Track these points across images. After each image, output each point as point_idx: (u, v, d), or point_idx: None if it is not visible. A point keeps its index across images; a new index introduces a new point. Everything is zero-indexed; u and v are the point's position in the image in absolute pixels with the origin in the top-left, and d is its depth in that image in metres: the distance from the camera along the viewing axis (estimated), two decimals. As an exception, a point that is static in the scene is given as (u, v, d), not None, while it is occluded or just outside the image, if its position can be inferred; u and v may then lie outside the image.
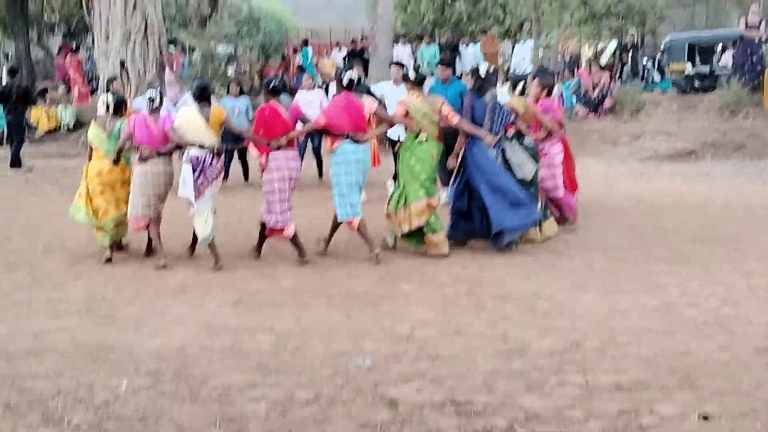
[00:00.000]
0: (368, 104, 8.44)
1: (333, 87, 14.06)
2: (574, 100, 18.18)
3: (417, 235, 8.65)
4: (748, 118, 16.99)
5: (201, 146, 8.04)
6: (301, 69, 23.67)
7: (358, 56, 22.46)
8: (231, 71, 22.59)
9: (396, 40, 21.97)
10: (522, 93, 9.29)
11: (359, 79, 11.26)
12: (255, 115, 8.52)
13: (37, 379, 5.18)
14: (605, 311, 6.53)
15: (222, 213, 8.79)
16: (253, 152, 8.54)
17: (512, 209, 8.51)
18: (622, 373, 5.16)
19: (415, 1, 26.61)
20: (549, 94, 9.64)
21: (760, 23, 17.44)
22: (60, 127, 20.16)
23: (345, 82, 8.39)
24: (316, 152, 13.53)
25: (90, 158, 8.72)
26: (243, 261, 8.44)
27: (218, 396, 4.91)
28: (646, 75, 20.49)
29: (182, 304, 6.91)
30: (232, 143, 8.87)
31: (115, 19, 18.57)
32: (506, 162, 8.80)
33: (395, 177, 10.86)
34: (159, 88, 8.92)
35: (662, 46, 22.47)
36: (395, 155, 9.46)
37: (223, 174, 8.51)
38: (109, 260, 8.45)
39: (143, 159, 8.24)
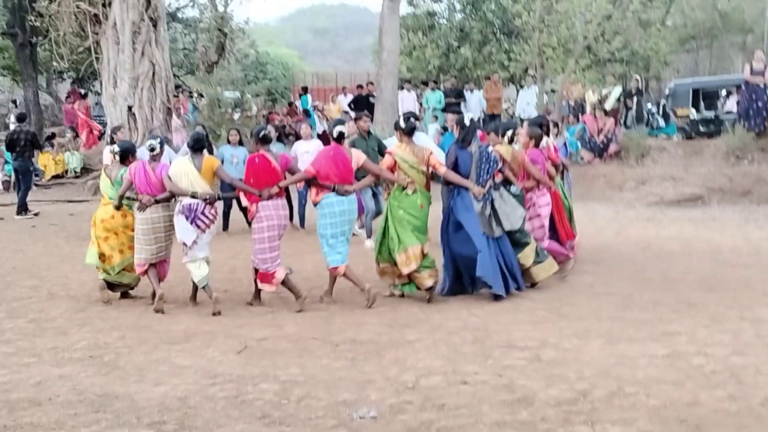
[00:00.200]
0: (356, 156, 8.55)
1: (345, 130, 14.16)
2: (579, 145, 18.21)
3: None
4: (754, 164, 17.00)
5: (193, 195, 8.19)
6: (307, 114, 23.81)
7: (363, 101, 22.59)
8: (237, 116, 22.72)
9: (401, 86, 22.12)
10: (510, 141, 9.30)
11: (368, 132, 11.40)
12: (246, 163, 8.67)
13: (38, 429, 5.12)
14: (613, 360, 6.46)
15: (226, 260, 8.79)
16: (243, 201, 8.61)
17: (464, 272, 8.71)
18: (631, 424, 5.08)
19: (420, 46, 26.84)
20: (537, 144, 9.63)
21: (764, 69, 17.52)
22: (67, 172, 20.26)
23: (335, 135, 8.54)
24: (301, 203, 13.56)
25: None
26: (247, 308, 8.42)
27: (221, 447, 4.85)
28: (650, 120, 20.55)
29: (186, 352, 6.85)
30: (228, 192, 8.91)
31: (123, 65, 18.77)
32: (495, 212, 8.74)
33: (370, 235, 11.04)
34: (160, 137, 9.02)
35: (666, 92, 22.59)
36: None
37: (215, 222, 8.51)
38: (107, 301, 8.68)
39: (142, 207, 8.40)
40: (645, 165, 17.74)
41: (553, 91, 21.01)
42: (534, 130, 9.73)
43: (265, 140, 8.48)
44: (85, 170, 20.37)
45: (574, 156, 17.58)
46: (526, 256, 9.02)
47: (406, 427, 5.11)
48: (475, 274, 8.50)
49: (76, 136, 22.40)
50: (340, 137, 8.56)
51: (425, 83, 23.39)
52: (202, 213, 8.25)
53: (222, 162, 11.98)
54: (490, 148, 8.94)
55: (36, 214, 15.99)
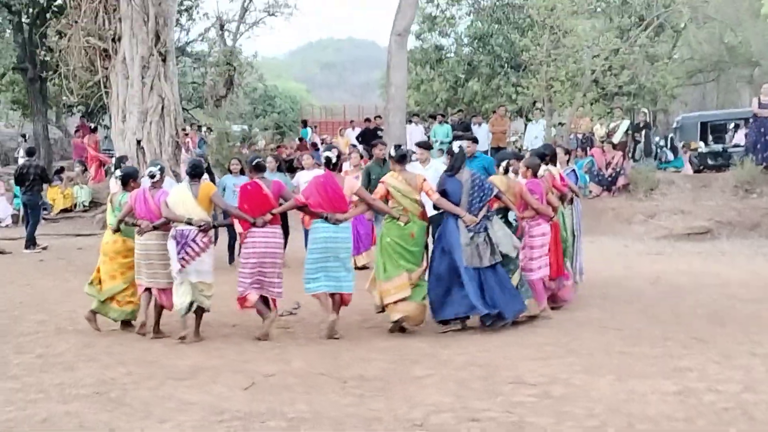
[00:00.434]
0: (349, 184, 8.54)
1: (346, 166, 14.19)
2: (587, 178, 18.22)
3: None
4: (763, 197, 16.97)
5: (188, 222, 8.28)
6: (315, 148, 23.89)
7: (371, 135, 22.65)
8: (245, 150, 22.79)
9: (409, 120, 22.19)
10: (506, 172, 9.26)
11: (384, 159, 11.39)
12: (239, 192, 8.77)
13: (43, 467, 5.09)
14: (623, 396, 6.39)
15: (234, 293, 8.73)
16: (238, 228, 8.66)
17: (447, 298, 8.61)
18: (642, 463, 5.02)
19: (428, 80, 26.98)
20: (535, 174, 9.55)
21: (772, 103, 17.55)
22: (75, 206, 20.33)
23: (323, 160, 8.64)
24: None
25: None
26: (254, 343, 8.36)
27: (227, 486, 4.79)
28: (658, 154, 20.55)
29: (192, 388, 6.81)
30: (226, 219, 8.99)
31: (132, 99, 18.85)
32: (490, 239, 8.67)
33: None
34: (160, 164, 9.11)
35: (674, 125, 22.63)
36: None
37: (208, 250, 8.47)
38: (96, 327, 8.83)
39: (140, 232, 8.55)
40: (654, 198, 17.72)
41: (561, 124, 21.07)
42: (532, 160, 9.70)
43: (259, 168, 8.62)
44: (94, 204, 20.43)
45: (583, 189, 17.57)
46: None
47: (415, 466, 5.05)
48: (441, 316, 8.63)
49: (85, 169, 22.50)
50: (328, 163, 8.58)
51: (433, 117, 23.47)
52: (193, 240, 8.29)
53: (224, 191, 12.06)
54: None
55: (44, 248, 16.02)
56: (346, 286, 8.52)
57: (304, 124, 28.23)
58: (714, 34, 26.87)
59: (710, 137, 21.37)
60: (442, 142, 20.88)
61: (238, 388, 6.77)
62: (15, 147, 29.96)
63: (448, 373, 7.15)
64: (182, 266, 8.28)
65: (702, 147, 20.43)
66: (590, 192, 18.09)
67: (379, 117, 24.14)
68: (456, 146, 9.11)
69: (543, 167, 9.73)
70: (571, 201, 10.46)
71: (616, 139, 19.52)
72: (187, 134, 20.85)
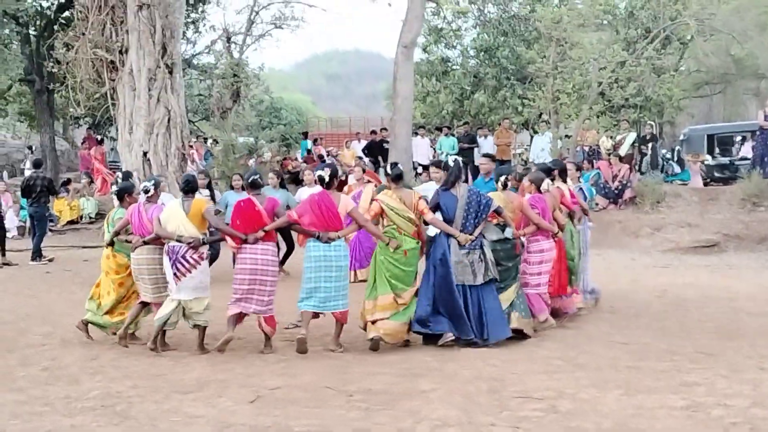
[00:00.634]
0: (344, 203, 8.48)
1: (351, 179, 14.20)
2: (594, 191, 18.18)
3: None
4: (771, 210, 16.91)
5: (179, 239, 8.30)
6: (322, 159, 23.90)
7: (377, 147, 22.68)
8: (251, 162, 22.83)
9: (415, 132, 22.20)
10: (504, 187, 9.16)
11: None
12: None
13: (48, 481, 5.07)
14: (631, 411, 6.35)
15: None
16: (230, 243, 8.62)
17: (436, 315, 8.52)
18: (651, 479, 4.98)
19: (434, 92, 27.00)
20: (538, 189, 9.45)
21: (779, 115, 17.53)
22: (82, 218, 20.35)
23: (316, 178, 8.62)
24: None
25: None
26: (260, 356, 8.34)
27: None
28: (665, 166, 20.52)
29: (198, 402, 6.79)
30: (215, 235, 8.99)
31: (138, 111, 18.90)
32: (485, 257, 8.58)
33: None
34: (154, 179, 9.18)
35: (681, 137, 22.59)
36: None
37: (199, 267, 8.44)
38: (88, 336, 8.96)
39: (133, 247, 8.65)
40: (660, 211, 17.68)
41: (567, 136, 21.04)
42: (536, 175, 9.61)
43: (254, 185, 8.60)
44: (100, 216, 20.44)
45: (589, 202, 17.53)
46: (504, 300, 8.83)
47: (421, 481, 5.02)
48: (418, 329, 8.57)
49: (91, 181, 22.55)
50: (321, 181, 8.54)
51: (439, 129, 23.48)
52: (183, 257, 8.30)
53: (225, 207, 12.06)
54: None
55: (50, 260, 16.04)
56: (334, 305, 8.42)
57: (305, 135, 28.26)
58: (721, 46, 26.84)
59: (717, 150, 21.35)
60: (447, 155, 20.89)
61: (244, 402, 6.75)
62: (22, 159, 30.06)
63: (455, 387, 7.12)
64: (176, 282, 8.33)
65: (709, 160, 20.40)
66: (597, 205, 18.05)
67: (385, 129, 24.16)
68: (451, 160, 9.07)
69: (546, 182, 9.53)
70: (579, 219, 10.39)
71: (623, 151, 19.49)
72: (191, 146, 20.85)
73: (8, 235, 17.80)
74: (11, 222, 19.61)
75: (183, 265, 8.31)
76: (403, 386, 7.19)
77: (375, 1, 25.25)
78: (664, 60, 23.14)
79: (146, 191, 8.83)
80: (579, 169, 11.33)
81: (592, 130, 20.50)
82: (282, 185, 13.47)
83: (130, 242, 8.70)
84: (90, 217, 20.53)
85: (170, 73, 19.26)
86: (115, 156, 24.01)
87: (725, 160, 20.71)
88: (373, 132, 25.38)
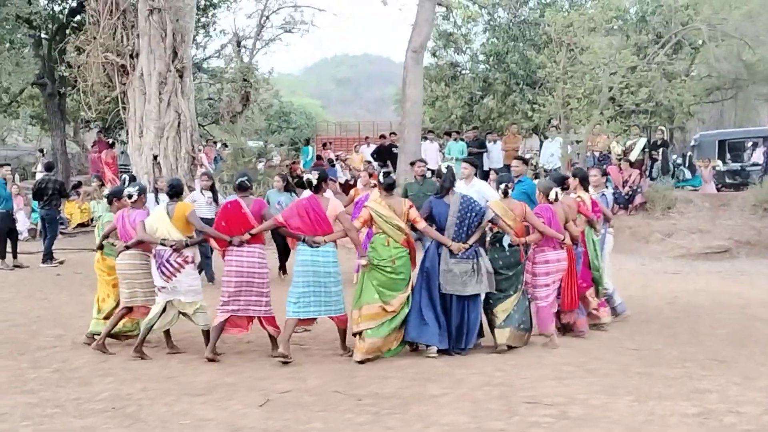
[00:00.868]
0: (332, 207, 8.40)
1: (359, 183, 14.21)
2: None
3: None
4: (782, 216, 16.83)
5: (162, 243, 8.33)
6: (332, 164, 23.92)
7: (386, 152, 22.67)
8: (260, 166, 22.88)
9: (424, 137, 22.19)
10: (505, 195, 8.90)
11: (423, 176, 11.34)
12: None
13: (59, 483, 5.07)
14: (642, 418, 6.32)
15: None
16: (214, 245, 8.60)
17: (426, 325, 8.39)
18: (662, 486, 4.96)
19: (443, 97, 26.97)
20: (547, 197, 9.13)
21: (791, 121, 17.48)
22: (92, 220, 20.36)
23: (305, 182, 8.56)
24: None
25: None
26: (269, 360, 8.33)
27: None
28: (676, 172, 20.45)
29: (208, 405, 6.79)
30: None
31: (149, 115, 18.97)
32: (478, 269, 8.46)
33: None
34: (139, 186, 9.20)
35: (692, 143, 22.52)
36: None
37: (183, 271, 8.42)
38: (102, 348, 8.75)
39: (117, 252, 8.77)
40: (671, 217, 17.61)
41: (577, 142, 20.98)
42: (546, 184, 9.35)
43: (241, 187, 8.56)
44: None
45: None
46: (501, 312, 8.68)
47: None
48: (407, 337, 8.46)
49: (102, 184, 22.53)
50: (309, 186, 8.47)
51: (448, 134, 23.45)
52: (167, 260, 8.32)
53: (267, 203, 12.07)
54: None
55: (61, 263, 16.08)
56: (327, 311, 8.34)
57: (307, 142, 28.30)
58: (732, 51, 26.66)
59: (728, 155, 21.27)
60: (456, 160, 20.87)
61: (253, 405, 6.75)
62: (33, 162, 30.15)
63: (464, 393, 7.11)
64: (162, 286, 8.37)
65: (720, 165, 20.33)
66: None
67: (394, 133, 24.16)
68: (444, 167, 9.01)
69: (555, 192, 9.15)
70: (597, 229, 10.00)
71: (633, 157, 19.43)
72: (201, 150, 20.88)
73: (19, 237, 17.85)
74: (23, 224, 19.66)
75: (168, 269, 8.33)
76: (413, 391, 7.18)
77: (386, 4, 25.11)
78: (675, 65, 23.08)
79: (129, 196, 8.84)
80: (605, 174, 10.98)
81: (602, 136, 20.43)
82: (288, 189, 13.46)
83: (114, 245, 8.88)
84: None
85: (180, 77, 19.32)
86: (126, 159, 24.07)
87: (736, 165, 20.64)
88: (382, 136, 25.38)
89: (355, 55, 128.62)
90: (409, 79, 19.74)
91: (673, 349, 8.69)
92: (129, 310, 8.85)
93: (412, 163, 12.29)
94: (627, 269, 14.20)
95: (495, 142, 21.76)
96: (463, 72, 28.45)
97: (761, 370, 7.77)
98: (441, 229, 8.49)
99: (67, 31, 24.47)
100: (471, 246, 8.46)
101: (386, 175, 8.67)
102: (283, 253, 13.33)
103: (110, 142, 25.40)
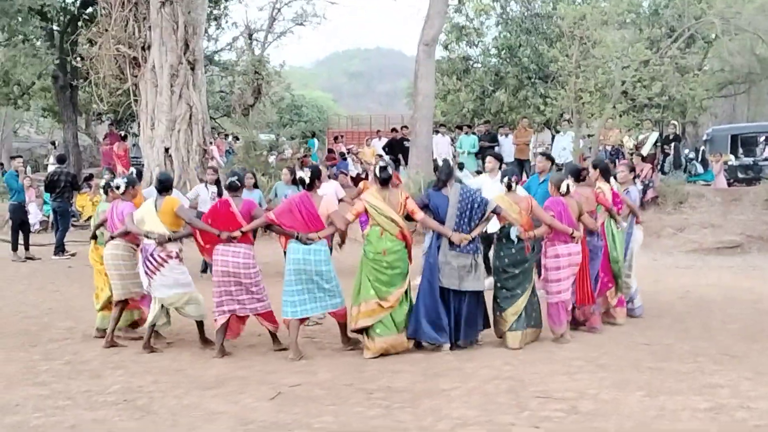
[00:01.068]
0: (325, 204, 8.33)
1: (370, 176, 14.18)
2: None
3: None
4: (795, 211, 16.74)
5: (146, 236, 8.33)
6: (343, 157, 23.91)
7: (398, 145, 22.64)
8: (272, 159, 22.88)
9: (436, 130, 22.15)
10: (509, 188, 8.75)
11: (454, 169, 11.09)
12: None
13: (70, 475, 5.09)
14: (653, 413, 6.31)
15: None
16: (200, 240, 8.56)
17: (426, 322, 8.29)
18: (673, 482, 4.94)
19: (455, 90, 26.91)
20: (558, 190, 8.96)
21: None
22: (103, 213, 20.42)
23: (298, 180, 8.53)
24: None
25: None
26: (280, 354, 8.33)
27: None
28: (688, 167, 20.36)
29: (219, 398, 6.81)
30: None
31: (160, 107, 19.03)
32: (477, 265, 8.37)
33: None
34: (128, 178, 9.21)
35: (704, 138, 22.42)
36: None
37: (166, 266, 8.37)
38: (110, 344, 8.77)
39: (105, 243, 8.89)
40: (683, 212, 17.54)
41: (589, 136, 20.91)
42: (557, 176, 9.21)
43: (231, 187, 8.48)
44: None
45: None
46: (511, 315, 8.56)
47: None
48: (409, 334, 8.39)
49: (114, 177, 22.63)
50: (302, 183, 8.40)
51: (460, 127, 23.42)
52: (151, 254, 8.32)
53: (275, 196, 12.11)
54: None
55: (73, 255, 16.15)
56: (323, 306, 8.26)
57: (312, 135, 28.34)
58: (745, 45, 26.58)
59: (740, 150, 21.17)
60: (468, 153, 20.84)
61: (264, 399, 6.76)
62: (45, 154, 30.27)
63: (475, 387, 7.10)
64: (148, 281, 8.39)
65: (732, 160, 20.24)
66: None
67: (406, 127, 24.12)
68: (441, 160, 8.95)
69: (566, 185, 8.95)
70: (617, 221, 9.75)
71: (645, 151, 19.35)
72: (213, 143, 20.91)
73: (33, 229, 17.95)
74: (35, 216, 19.75)
75: (152, 263, 8.32)
76: (424, 385, 7.18)
77: (397, -2, 25.02)
78: (688, 59, 22.97)
79: (117, 188, 8.87)
80: (632, 170, 10.73)
81: (614, 130, 20.36)
82: (296, 182, 13.47)
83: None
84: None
85: (192, 69, 19.38)
86: (138, 152, 24.13)
87: (749, 160, 20.54)
88: (394, 130, 25.34)
89: (367, 49, 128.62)
90: (421, 73, 19.67)
91: (684, 344, 8.66)
92: (125, 303, 8.89)
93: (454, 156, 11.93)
94: (639, 264, 14.06)
95: (507, 135, 21.72)
96: (475, 65, 28.38)
97: (773, 366, 7.74)
98: (441, 222, 8.37)
99: (79, 24, 24.55)
100: (473, 239, 8.36)
101: (382, 168, 8.49)
102: None
103: (122, 134, 25.45)
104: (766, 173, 18.36)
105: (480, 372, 7.60)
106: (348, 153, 25.46)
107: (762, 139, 22.36)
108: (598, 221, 9.42)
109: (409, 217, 8.43)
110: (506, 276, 8.60)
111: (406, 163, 20.31)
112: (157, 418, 6.27)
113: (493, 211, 8.41)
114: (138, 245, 8.63)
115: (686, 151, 22.19)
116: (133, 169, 10.71)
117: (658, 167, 19.79)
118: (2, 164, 32.18)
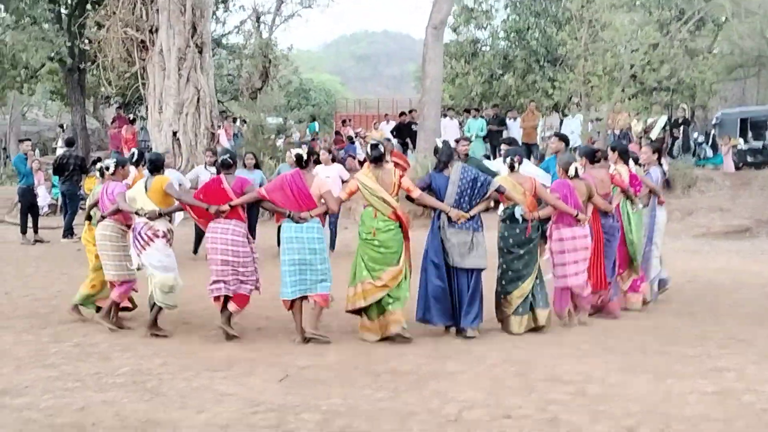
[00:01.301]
0: (317, 184, 8.28)
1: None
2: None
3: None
4: (803, 195, 16.69)
5: (137, 213, 8.36)
6: (351, 141, 23.89)
7: (406, 129, 22.62)
8: (280, 142, 22.89)
9: (444, 114, 22.11)
10: (511, 168, 8.66)
11: (467, 155, 10.98)
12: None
13: (80, 455, 5.13)
14: (660, 396, 6.32)
15: (267, 287, 8.75)
16: (193, 217, 8.59)
17: (433, 303, 8.29)
18: (680, 464, 4.96)
19: (463, 74, 26.84)
20: (566, 172, 8.90)
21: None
22: (112, 196, 20.46)
23: (294, 158, 8.45)
24: (332, 225, 13.54)
25: None
26: (289, 336, 8.35)
27: (262, 478, 4.80)
28: (697, 150, 20.29)
29: (228, 380, 6.84)
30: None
31: (168, 91, 19.03)
32: (476, 243, 8.28)
33: None
34: (117, 159, 9.30)
35: (714, 121, 22.33)
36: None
37: (153, 244, 8.34)
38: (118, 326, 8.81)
39: (96, 223, 8.94)
40: (691, 196, 17.52)
41: (598, 119, 20.86)
42: (565, 159, 9.14)
43: (224, 165, 8.55)
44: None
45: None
46: (516, 298, 8.51)
47: (449, 462, 5.03)
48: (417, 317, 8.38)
49: (122, 160, 22.66)
50: (299, 160, 8.32)
51: (468, 111, 23.37)
52: (140, 233, 8.35)
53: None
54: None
55: (81, 238, 16.18)
56: (311, 289, 8.17)
57: (313, 119, 28.31)
58: (756, 28, 26.39)
59: (750, 134, 21.07)
60: (476, 137, 20.80)
61: (272, 381, 6.79)
62: (53, 137, 30.30)
63: (482, 370, 7.13)
64: (137, 257, 8.44)
65: (742, 144, 20.15)
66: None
67: (414, 111, 24.09)
68: (440, 141, 8.94)
69: (574, 167, 8.89)
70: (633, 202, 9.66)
71: (654, 134, 19.30)
72: (221, 126, 20.91)
73: (41, 212, 18.00)
74: (43, 199, 19.82)
75: (140, 242, 8.35)
76: (431, 367, 7.20)
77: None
78: (698, 42, 22.85)
79: (107, 168, 8.94)
80: (656, 151, 10.54)
81: (623, 113, 20.30)
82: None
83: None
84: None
85: (200, 52, 19.36)
86: (145, 135, 24.16)
87: (758, 144, 20.45)
88: (402, 113, 25.32)
89: (374, 32, 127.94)
90: (429, 56, 19.64)
91: (691, 328, 8.67)
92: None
93: (457, 141, 12.04)
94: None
95: (515, 119, 21.68)
96: (483, 49, 28.29)
97: (780, 350, 7.74)
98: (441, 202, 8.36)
99: (87, 6, 24.49)
100: (473, 217, 8.32)
101: (373, 146, 8.42)
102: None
103: (131, 118, 25.47)
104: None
105: (488, 355, 7.62)
106: (356, 136, 25.44)
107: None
108: (613, 203, 9.35)
109: (411, 198, 8.43)
110: (511, 257, 8.55)
111: (414, 147, 20.29)
112: (166, 400, 6.30)
113: (497, 191, 8.38)
114: (129, 226, 8.67)
115: (695, 134, 22.08)
116: (134, 150, 10.69)
117: (667, 151, 19.73)
118: (5, 149, 32.29)
